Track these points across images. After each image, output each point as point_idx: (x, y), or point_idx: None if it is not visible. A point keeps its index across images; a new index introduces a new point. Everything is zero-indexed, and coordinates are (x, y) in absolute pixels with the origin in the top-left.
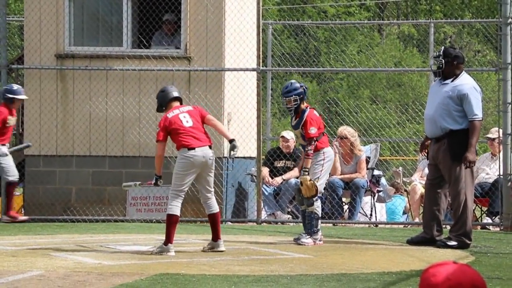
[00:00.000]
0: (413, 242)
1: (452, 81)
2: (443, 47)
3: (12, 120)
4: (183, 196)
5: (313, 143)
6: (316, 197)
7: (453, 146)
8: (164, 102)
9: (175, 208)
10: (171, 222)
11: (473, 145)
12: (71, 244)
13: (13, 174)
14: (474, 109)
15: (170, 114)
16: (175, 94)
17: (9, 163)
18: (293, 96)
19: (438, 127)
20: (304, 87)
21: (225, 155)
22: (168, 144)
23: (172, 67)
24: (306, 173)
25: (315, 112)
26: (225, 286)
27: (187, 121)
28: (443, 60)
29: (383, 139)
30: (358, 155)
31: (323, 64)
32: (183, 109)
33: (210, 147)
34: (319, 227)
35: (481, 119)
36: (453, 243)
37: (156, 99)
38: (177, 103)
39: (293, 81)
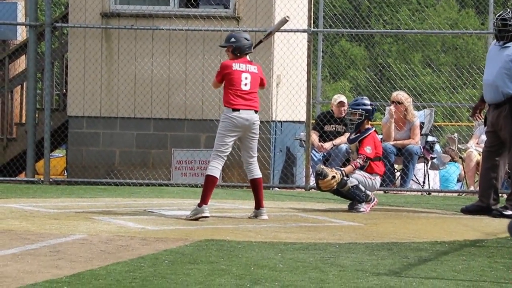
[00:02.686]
0: (467, 211)
1: None
2: (509, 9)
3: None
4: (225, 158)
5: (367, 162)
6: (346, 177)
7: None
8: (241, 51)
9: (215, 169)
10: (208, 183)
11: None
12: (114, 208)
13: None
14: None
15: (235, 66)
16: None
17: None
18: (360, 111)
19: (499, 92)
20: (373, 107)
21: (273, 119)
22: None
23: (220, 27)
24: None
25: (377, 135)
26: (272, 254)
27: (245, 84)
28: None
29: (437, 103)
30: (412, 120)
31: (375, 26)
32: (249, 68)
33: (256, 112)
34: (364, 190)
35: None
36: (510, 212)
37: (236, 38)
38: (246, 57)
39: (364, 97)
